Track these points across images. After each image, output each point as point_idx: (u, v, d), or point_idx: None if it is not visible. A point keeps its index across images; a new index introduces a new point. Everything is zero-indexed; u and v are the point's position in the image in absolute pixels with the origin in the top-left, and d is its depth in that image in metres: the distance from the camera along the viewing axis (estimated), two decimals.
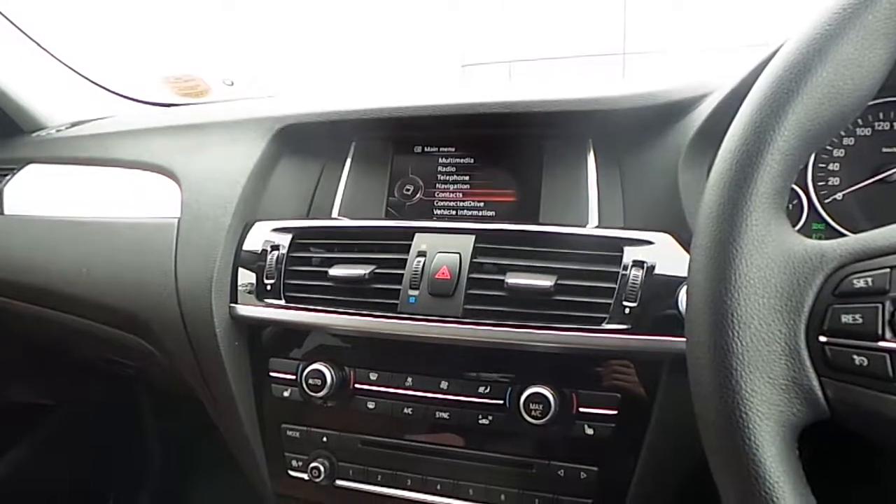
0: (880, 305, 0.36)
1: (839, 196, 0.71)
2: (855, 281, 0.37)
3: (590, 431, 0.69)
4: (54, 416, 1.35)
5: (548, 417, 0.67)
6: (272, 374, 0.81)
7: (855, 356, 0.36)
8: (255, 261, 0.79)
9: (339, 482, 0.80)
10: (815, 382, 0.38)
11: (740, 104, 0.44)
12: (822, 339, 0.38)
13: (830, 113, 0.40)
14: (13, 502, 1.26)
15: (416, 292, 0.71)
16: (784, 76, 0.41)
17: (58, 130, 1.13)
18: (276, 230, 0.80)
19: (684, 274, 0.63)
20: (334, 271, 0.74)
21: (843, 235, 0.46)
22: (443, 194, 0.84)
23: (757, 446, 0.37)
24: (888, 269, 0.36)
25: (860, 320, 0.36)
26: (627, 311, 0.65)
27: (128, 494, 1.47)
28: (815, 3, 0.42)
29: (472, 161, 0.84)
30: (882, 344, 0.35)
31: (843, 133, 0.71)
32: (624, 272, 0.66)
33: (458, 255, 0.71)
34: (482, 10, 6.13)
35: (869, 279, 0.37)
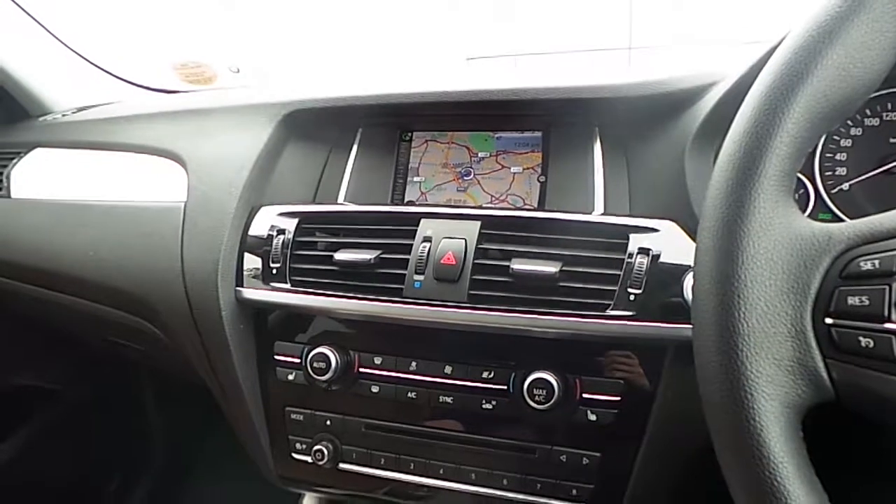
0: (887, 287, 0.36)
1: (846, 186, 0.71)
2: (862, 263, 0.37)
3: (593, 417, 0.69)
4: (58, 402, 1.36)
5: (551, 403, 0.67)
6: (277, 357, 0.81)
7: (861, 338, 0.36)
8: (260, 245, 0.80)
9: (342, 465, 0.81)
10: (821, 364, 0.38)
11: (748, 92, 0.44)
12: (829, 320, 0.38)
13: (840, 96, 0.40)
14: (16, 486, 1.27)
15: (421, 277, 0.71)
16: (794, 59, 0.41)
17: (64, 115, 1.13)
18: (282, 214, 0.80)
19: (689, 262, 0.64)
20: (340, 256, 0.74)
21: None
22: (448, 180, 0.84)
23: (761, 427, 0.38)
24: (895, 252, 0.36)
25: (867, 302, 0.36)
26: (632, 297, 0.65)
27: (130, 480, 1.48)
28: None
29: (477, 147, 0.84)
30: (888, 326, 0.35)
31: (850, 123, 0.71)
32: (629, 259, 0.66)
33: (463, 241, 0.71)
34: (487, 3, 6.10)
35: (876, 261, 0.37)
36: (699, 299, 0.42)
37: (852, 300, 0.37)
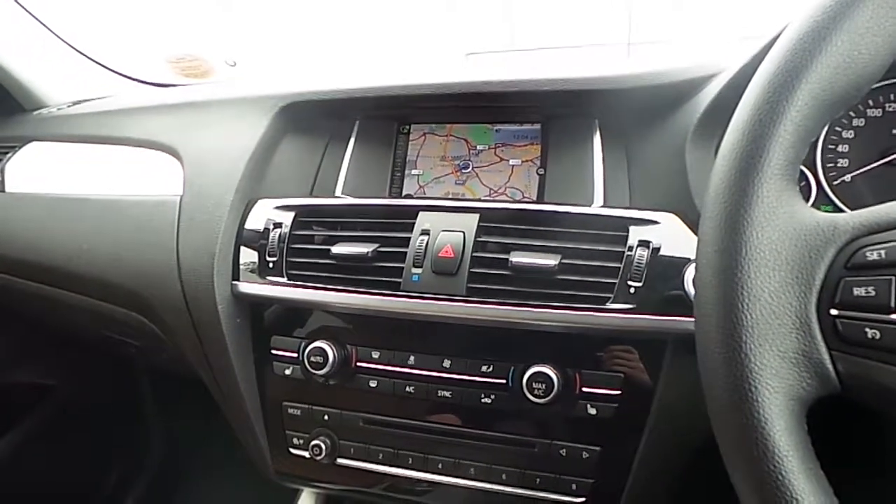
0: (893, 278, 0.35)
1: (848, 178, 0.70)
2: (868, 253, 0.37)
3: (592, 411, 0.69)
4: (54, 399, 1.35)
5: (550, 397, 0.66)
6: (274, 351, 0.80)
7: (867, 329, 0.36)
8: (257, 239, 0.79)
9: (339, 460, 0.80)
10: (826, 356, 0.37)
11: (749, 82, 0.43)
12: (834, 312, 0.37)
13: (844, 83, 0.40)
14: (11, 483, 1.26)
15: (419, 270, 0.70)
16: (798, 46, 0.40)
17: (59, 109, 1.12)
18: (278, 208, 0.80)
19: (690, 254, 0.63)
20: (337, 249, 0.74)
21: None
22: (447, 173, 0.83)
23: (766, 420, 0.37)
24: None
25: (873, 293, 0.36)
26: (632, 290, 0.64)
27: (127, 478, 1.47)
28: None
29: (476, 140, 0.83)
30: (895, 317, 0.35)
31: (853, 114, 0.70)
32: (629, 252, 0.65)
33: (461, 234, 0.70)
34: None
35: (882, 252, 0.36)
36: (702, 291, 0.42)
37: (858, 291, 0.36)
